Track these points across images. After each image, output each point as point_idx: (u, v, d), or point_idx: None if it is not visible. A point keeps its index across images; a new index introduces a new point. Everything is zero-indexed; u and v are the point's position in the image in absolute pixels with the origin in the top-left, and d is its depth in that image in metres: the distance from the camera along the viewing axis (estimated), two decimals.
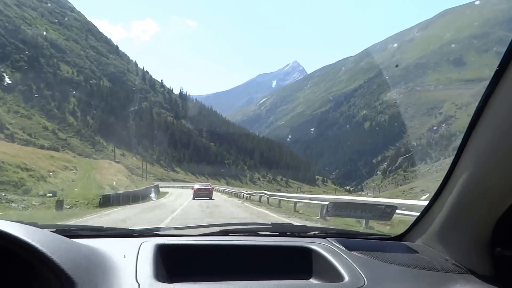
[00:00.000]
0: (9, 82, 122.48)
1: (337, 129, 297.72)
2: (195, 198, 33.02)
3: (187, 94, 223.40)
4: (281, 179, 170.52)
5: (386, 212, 2.08)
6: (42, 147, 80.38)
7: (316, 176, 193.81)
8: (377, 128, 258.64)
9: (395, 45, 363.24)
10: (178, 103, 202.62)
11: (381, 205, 1.93)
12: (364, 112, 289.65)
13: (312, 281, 1.69)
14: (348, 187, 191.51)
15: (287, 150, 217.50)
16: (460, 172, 1.62)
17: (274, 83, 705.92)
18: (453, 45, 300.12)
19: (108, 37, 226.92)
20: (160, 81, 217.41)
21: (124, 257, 1.55)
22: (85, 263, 1.31)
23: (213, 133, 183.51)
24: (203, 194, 34.37)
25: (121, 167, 53.13)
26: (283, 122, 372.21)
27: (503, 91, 1.35)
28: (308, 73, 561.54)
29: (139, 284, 1.32)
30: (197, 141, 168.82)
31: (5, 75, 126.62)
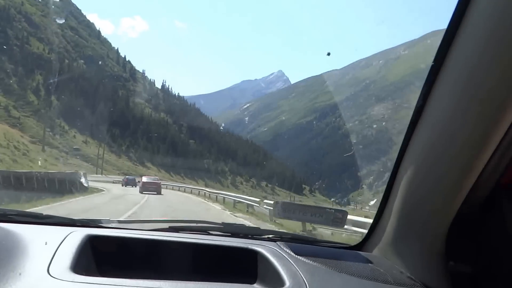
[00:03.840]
0: None
1: (322, 139, 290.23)
2: (143, 192, 31.63)
3: (170, 88, 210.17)
4: (266, 185, 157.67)
5: (338, 217, 1.92)
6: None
7: (303, 185, 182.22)
8: (363, 141, 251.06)
9: (381, 61, 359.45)
10: (159, 96, 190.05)
11: (330, 209, 1.96)
12: (350, 124, 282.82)
13: (255, 285, 1.62)
14: (333, 199, 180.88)
15: (272, 155, 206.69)
16: (402, 175, 1.59)
17: (258, 89, 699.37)
18: None
19: (91, 21, 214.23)
20: (141, 72, 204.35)
21: (46, 244, 1.45)
22: None
23: (194, 130, 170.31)
24: (152, 188, 32.94)
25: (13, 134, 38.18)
26: (265, 129, 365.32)
27: (439, 90, 1.35)
28: (292, 83, 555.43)
29: (49, 273, 1.24)
30: (176, 136, 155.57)
31: None
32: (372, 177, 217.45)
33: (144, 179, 36.58)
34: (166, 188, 47.63)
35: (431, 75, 1.36)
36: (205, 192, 37.66)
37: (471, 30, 1.23)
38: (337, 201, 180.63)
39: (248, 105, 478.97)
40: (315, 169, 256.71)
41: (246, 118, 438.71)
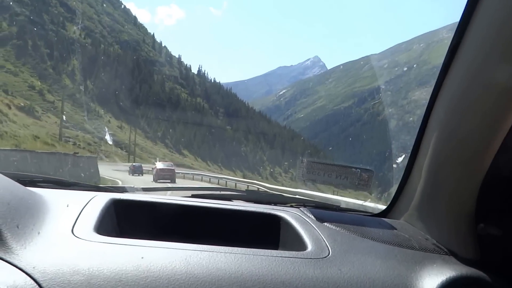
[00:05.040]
0: (1, 35, 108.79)
1: (361, 126, 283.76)
2: (158, 181, 29.88)
3: (206, 73, 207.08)
4: (318, 162, 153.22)
5: (363, 179, 1.85)
6: (9, 106, 64.50)
7: None
8: (405, 128, 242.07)
9: (422, 45, 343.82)
10: (195, 81, 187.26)
11: (356, 168, 1.85)
12: (390, 110, 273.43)
13: (277, 250, 1.60)
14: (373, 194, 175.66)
15: (311, 143, 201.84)
16: (429, 136, 1.59)
17: (294, 75, 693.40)
18: None
19: (127, 7, 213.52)
20: (177, 57, 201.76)
21: (67, 206, 1.49)
22: (16, 205, 1.27)
23: (231, 116, 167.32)
24: (167, 175, 31.56)
25: None
26: (302, 115, 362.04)
27: (472, 34, 1.34)
28: (329, 68, 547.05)
29: (73, 234, 1.28)
30: (212, 122, 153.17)
31: (1, 27, 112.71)
32: None
33: (160, 165, 34.72)
34: (202, 180, 41.54)
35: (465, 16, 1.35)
36: (258, 188, 26.64)
37: (489, 13, 1.26)
38: (379, 196, 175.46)
39: (284, 91, 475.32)
40: (353, 158, 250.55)
41: (283, 104, 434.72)
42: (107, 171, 36.47)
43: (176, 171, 40.07)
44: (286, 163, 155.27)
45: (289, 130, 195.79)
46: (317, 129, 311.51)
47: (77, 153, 30.21)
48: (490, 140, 1.34)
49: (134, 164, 48.97)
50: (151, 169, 40.28)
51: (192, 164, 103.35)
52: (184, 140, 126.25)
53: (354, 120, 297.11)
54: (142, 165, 47.89)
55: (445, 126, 1.47)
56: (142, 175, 41.52)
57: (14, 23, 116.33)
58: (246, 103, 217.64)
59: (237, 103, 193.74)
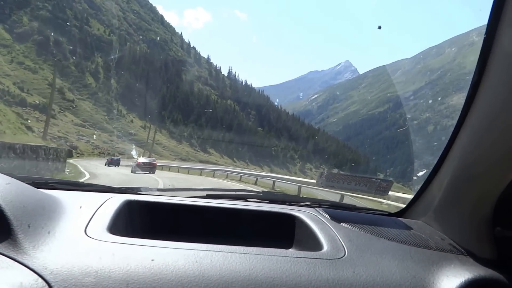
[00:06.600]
0: (21, 30, 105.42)
1: (396, 130, 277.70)
2: (136, 172, 30.94)
3: (236, 75, 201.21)
4: (338, 173, 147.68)
5: (382, 186, 1.94)
6: (22, 104, 59.28)
7: (378, 173, 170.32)
8: (442, 132, 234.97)
9: (454, 49, 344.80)
10: (226, 82, 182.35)
11: (376, 178, 2.00)
12: (427, 115, 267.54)
13: (292, 250, 1.63)
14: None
15: (345, 144, 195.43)
16: (460, 142, 1.59)
17: (326, 80, 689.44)
18: None
19: (154, 5, 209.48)
20: (206, 58, 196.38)
21: (80, 207, 1.51)
22: (32, 207, 1.29)
23: (263, 118, 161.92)
24: (146, 168, 32.39)
25: None
26: (335, 120, 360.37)
27: (503, 50, 1.33)
28: (361, 73, 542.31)
29: (86, 234, 1.29)
30: (243, 123, 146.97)
31: (21, 22, 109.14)
32: None
33: (141, 159, 36.30)
34: (227, 177, 33.59)
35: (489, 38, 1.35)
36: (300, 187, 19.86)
37: None
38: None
39: (316, 96, 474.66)
40: (386, 158, 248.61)
41: (315, 109, 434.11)
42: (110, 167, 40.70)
43: (199, 167, 41.37)
44: (317, 161, 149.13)
45: (322, 132, 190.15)
46: (350, 133, 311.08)
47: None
48: None
49: (112, 157, 52.62)
50: (132, 162, 40.68)
51: (216, 161, 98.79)
52: (211, 140, 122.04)
53: (389, 124, 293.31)
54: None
55: (474, 134, 1.47)
56: (118, 166, 44.06)
57: (36, 18, 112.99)
58: (279, 106, 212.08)
59: (269, 106, 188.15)
